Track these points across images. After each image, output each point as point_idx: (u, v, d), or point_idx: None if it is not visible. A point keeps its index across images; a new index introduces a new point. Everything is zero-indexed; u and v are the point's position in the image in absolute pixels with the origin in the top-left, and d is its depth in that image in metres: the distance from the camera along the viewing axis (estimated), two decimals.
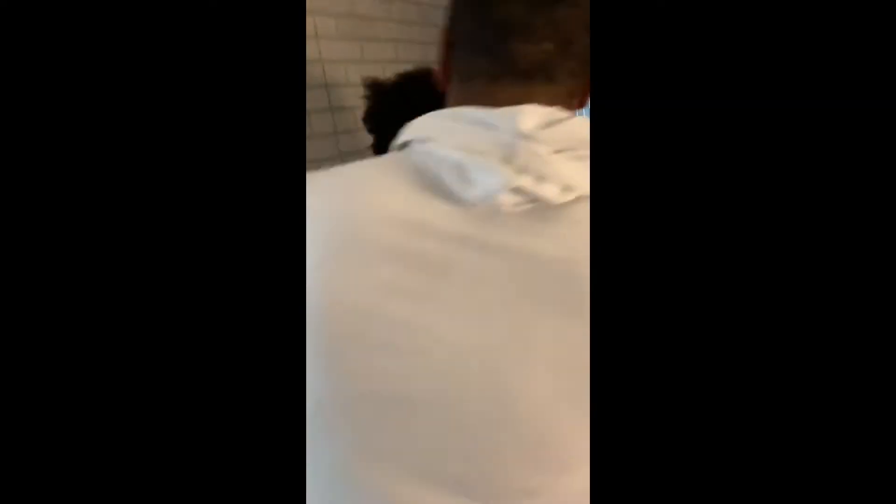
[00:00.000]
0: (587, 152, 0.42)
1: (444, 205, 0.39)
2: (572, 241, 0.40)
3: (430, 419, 0.40)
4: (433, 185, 0.40)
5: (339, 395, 0.42)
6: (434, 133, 0.41)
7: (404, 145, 0.45)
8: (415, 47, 1.64)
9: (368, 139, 1.12)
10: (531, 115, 0.40)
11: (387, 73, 1.56)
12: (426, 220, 0.39)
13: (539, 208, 0.39)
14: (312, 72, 1.31)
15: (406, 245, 0.38)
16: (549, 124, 0.40)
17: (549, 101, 0.43)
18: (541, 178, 0.38)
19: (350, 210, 0.42)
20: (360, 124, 1.18)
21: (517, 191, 0.39)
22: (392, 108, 0.95)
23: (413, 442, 0.40)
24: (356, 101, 1.34)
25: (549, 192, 0.39)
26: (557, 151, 0.40)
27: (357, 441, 0.41)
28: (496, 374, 0.39)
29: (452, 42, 0.46)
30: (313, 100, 1.34)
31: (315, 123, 1.34)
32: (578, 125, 0.41)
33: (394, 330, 0.40)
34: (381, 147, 0.97)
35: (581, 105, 0.48)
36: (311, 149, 1.31)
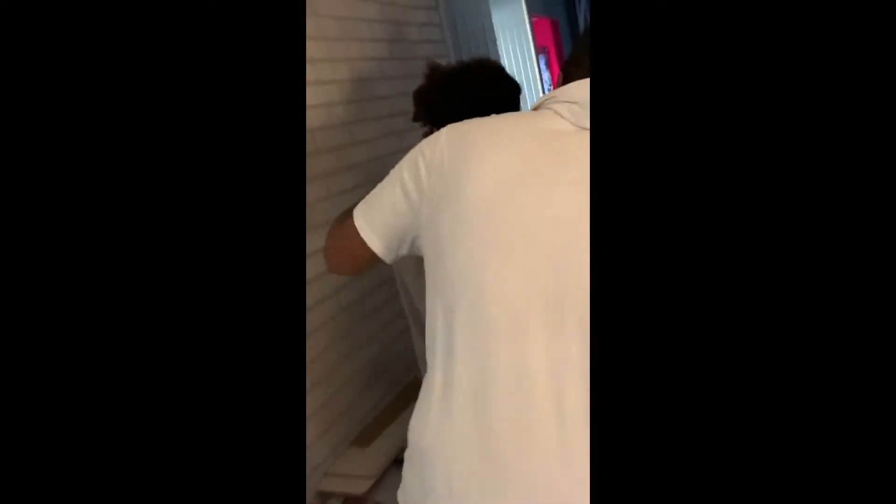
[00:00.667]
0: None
1: (563, 123, 0.74)
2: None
3: None
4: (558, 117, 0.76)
5: None
6: (563, 94, 0.77)
7: (537, 107, 0.79)
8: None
9: None
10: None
11: None
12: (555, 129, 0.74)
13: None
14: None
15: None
16: None
17: None
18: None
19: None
20: None
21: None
22: (444, 88, 1.14)
23: None
24: None
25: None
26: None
27: None
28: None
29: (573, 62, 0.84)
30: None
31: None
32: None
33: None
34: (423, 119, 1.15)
35: None
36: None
